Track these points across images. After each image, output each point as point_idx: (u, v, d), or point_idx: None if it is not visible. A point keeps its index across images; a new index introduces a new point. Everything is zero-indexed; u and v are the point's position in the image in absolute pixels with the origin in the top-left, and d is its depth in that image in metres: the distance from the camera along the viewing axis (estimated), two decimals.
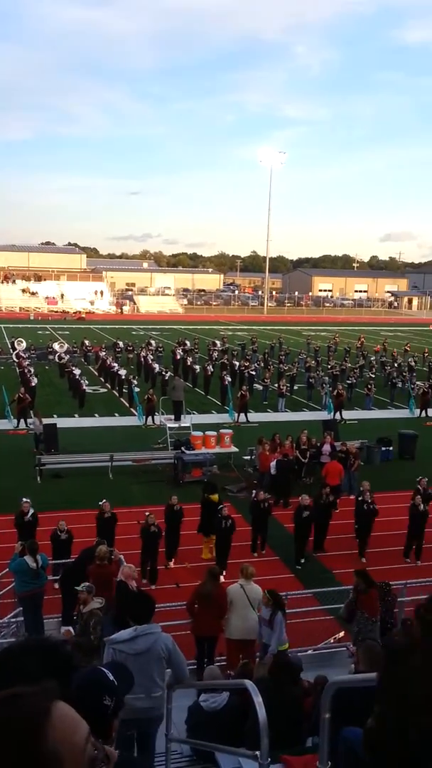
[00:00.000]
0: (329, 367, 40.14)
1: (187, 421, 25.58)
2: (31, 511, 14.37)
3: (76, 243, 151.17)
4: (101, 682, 2.24)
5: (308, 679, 7.20)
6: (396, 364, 40.99)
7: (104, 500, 14.86)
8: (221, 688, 6.62)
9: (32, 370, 34.42)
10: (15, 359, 40.70)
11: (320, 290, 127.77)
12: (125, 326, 69.21)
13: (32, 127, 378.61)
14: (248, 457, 22.58)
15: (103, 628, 9.39)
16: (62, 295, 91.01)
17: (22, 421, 26.94)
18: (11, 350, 44.29)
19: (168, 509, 15.23)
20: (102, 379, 37.87)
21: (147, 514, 14.56)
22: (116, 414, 30.65)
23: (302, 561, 15.68)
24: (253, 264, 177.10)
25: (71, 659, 1.57)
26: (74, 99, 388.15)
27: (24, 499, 14.71)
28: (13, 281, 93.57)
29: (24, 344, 44.50)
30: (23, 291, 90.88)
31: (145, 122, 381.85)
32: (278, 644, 9.23)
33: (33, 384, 31.12)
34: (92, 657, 9.38)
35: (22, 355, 40.95)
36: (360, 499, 16.20)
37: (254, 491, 16.75)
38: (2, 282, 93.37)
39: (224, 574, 13.19)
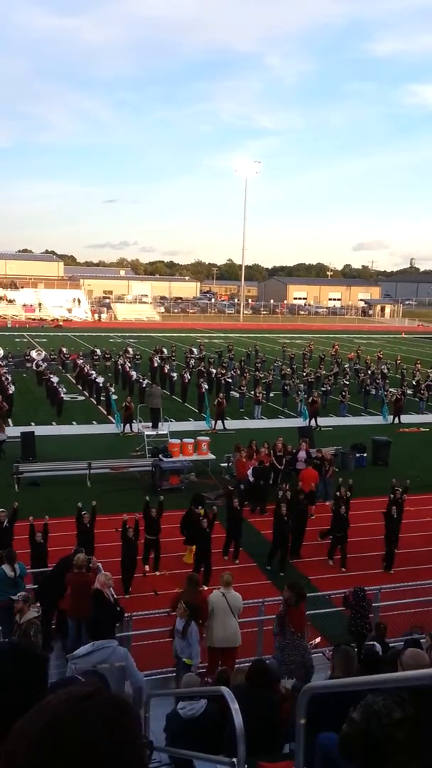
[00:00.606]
0: (304, 374, 40.40)
1: (164, 428, 25.60)
2: (6, 521, 14.29)
3: (53, 251, 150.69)
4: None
5: (286, 686, 7.27)
6: (369, 372, 41.40)
7: (84, 512, 14.82)
8: (198, 695, 6.67)
9: (10, 377, 34.24)
10: None
11: (295, 298, 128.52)
12: (103, 334, 69.07)
13: (9, 135, 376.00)
14: (225, 464, 22.68)
15: (41, 637, 9.46)
16: (40, 303, 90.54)
17: None
18: None
19: (146, 517, 15.28)
20: (80, 387, 37.76)
21: (124, 519, 14.61)
22: (94, 422, 30.58)
23: (269, 566, 15.94)
24: (229, 272, 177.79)
25: (45, 664, 1.63)
26: (51, 107, 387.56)
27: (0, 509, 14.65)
28: None
29: (1, 352, 44.32)
30: (0, 299, 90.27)
31: (122, 130, 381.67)
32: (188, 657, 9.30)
33: (11, 392, 30.94)
34: None
35: (0, 362, 40.71)
36: (338, 505, 16.34)
37: (234, 498, 16.84)
38: None
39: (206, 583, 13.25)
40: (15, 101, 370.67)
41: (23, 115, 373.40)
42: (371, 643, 8.58)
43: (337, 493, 16.76)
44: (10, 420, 28.21)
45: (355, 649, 6.76)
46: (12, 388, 31.61)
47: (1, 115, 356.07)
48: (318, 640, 10.88)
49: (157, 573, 15.43)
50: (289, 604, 9.23)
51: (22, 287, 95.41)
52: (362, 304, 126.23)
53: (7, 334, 65.59)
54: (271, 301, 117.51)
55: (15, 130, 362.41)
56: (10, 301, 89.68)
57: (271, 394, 35.70)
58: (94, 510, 14.84)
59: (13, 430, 26.45)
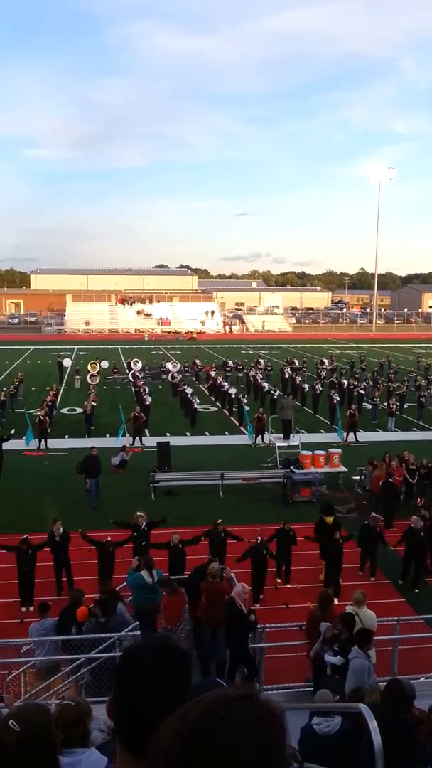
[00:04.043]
0: None
1: (296, 440, 25.60)
2: (144, 524, 14.90)
3: (187, 265, 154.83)
4: None
5: (421, 708, 7.09)
6: None
7: (220, 519, 15.17)
8: (335, 711, 6.63)
9: (147, 389, 35.51)
10: (131, 379, 42.18)
11: (430, 307, 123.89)
12: (235, 345, 69.97)
13: (147, 154, 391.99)
14: (357, 477, 22.33)
15: None
16: (174, 316, 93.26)
17: (137, 439, 27.88)
18: (127, 370, 45.88)
19: (280, 531, 15.38)
20: (212, 398, 38.50)
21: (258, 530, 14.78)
22: (226, 432, 31.07)
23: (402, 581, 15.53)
24: (361, 281, 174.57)
25: (189, 660, 1.68)
26: (186, 125, 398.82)
27: (138, 513, 15.28)
28: (130, 303, 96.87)
29: (139, 364, 45.97)
30: (138, 313, 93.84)
31: (253, 145, 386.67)
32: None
33: (147, 403, 32.08)
34: None
35: (138, 374, 42.35)
36: None
37: (372, 513, 16.58)
38: (119, 304, 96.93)
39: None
40: (154, 122, 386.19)
41: (161, 134, 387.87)
42: None
43: None
44: (146, 430, 29.29)
45: None
46: (149, 400, 32.77)
47: (141, 135, 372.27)
48: None
49: (289, 585, 15.47)
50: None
51: (158, 301, 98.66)
52: None
53: (144, 347, 68.05)
54: (405, 310, 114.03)
55: (153, 149, 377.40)
56: (147, 315, 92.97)
57: (405, 406, 34.73)
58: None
59: (149, 440, 27.49)
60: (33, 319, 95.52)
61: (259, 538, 14.67)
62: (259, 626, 10.83)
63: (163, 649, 1.58)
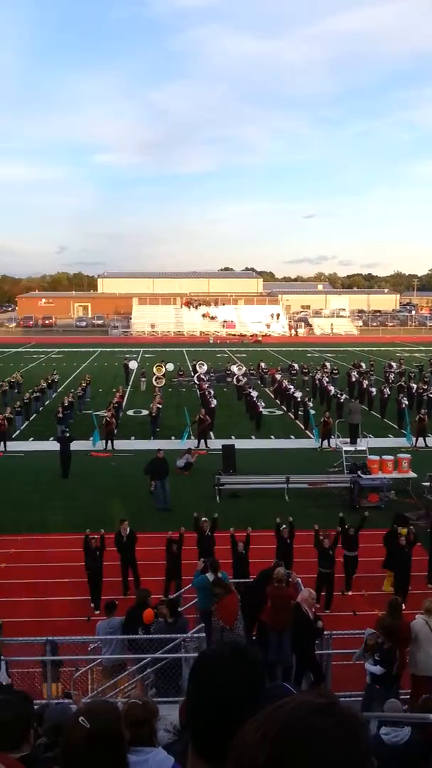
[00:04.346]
0: None
1: (363, 444, 25.22)
2: (208, 530, 14.91)
3: (252, 268, 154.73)
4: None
5: None
6: None
7: (284, 526, 15.05)
8: (405, 721, 6.47)
9: (212, 392, 35.66)
10: (196, 381, 42.45)
11: None
12: (300, 348, 69.53)
13: (213, 158, 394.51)
14: (427, 484, 21.78)
15: None
16: (239, 319, 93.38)
17: (202, 441, 28.00)
18: (192, 373, 46.19)
19: (343, 533, 15.14)
20: (278, 401, 38.32)
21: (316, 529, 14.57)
22: (292, 436, 30.87)
23: None
24: (430, 282, 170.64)
25: (262, 666, 1.65)
26: (253, 128, 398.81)
27: (203, 518, 15.31)
28: (195, 306, 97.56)
29: (204, 367, 46.22)
30: (203, 316, 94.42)
31: (320, 146, 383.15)
32: None
33: (213, 406, 32.20)
34: None
35: (203, 377, 42.59)
36: None
37: None
38: (185, 307, 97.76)
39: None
40: (220, 126, 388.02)
41: (227, 138, 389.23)
42: None
43: None
44: (212, 433, 29.39)
45: None
46: (214, 402, 32.89)
47: (208, 139, 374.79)
48: None
49: (352, 593, 15.20)
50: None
51: (223, 304, 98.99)
52: None
53: (209, 349, 68.38)
54: None
55: (220, 153, 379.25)
56: (213, 318, 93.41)
57: None
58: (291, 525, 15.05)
59: (214, 443, 27.56)
60: (100, 322, 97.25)
61: (324, 539, 14.46)
62: (326, 633, 10.69)
63: (238, 654, 1.55)
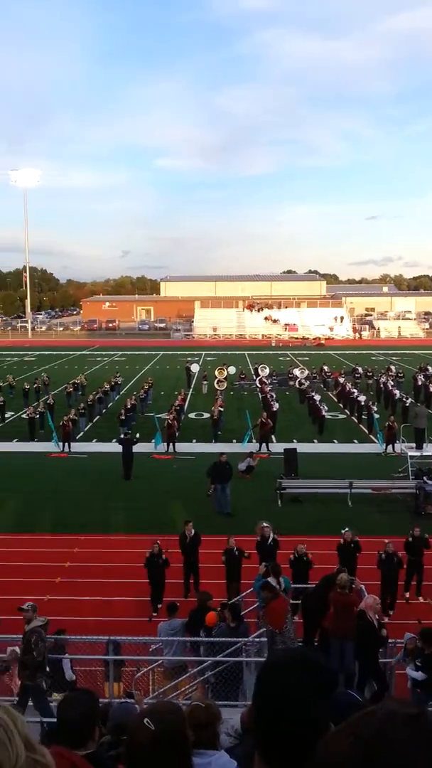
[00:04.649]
0: None
1: (429, 449, 24.68)
2: (272, 536, 14.80)
3: (316, 270, 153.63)
4: (357, 705, 2.31)
5: None
6: None
7: (346, 529, 14.86)
8: None
9: (274, 395, 35.51)
10: (258, 385, 42.37)
11: None
12: (364, 352, 68.55)
13: (276, 160, 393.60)
14: None
15: (44, 645, 9.44)
16: (302, 322, 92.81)
17: (264, 445, 27.90)
18: (254, 376, 46.12)
19: (409, 541, 14.83)
20: (341, 405, 37.86)
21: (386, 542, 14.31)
22: (355, 440, 30.45)
23: None
24: None
25: (335, 676, 1.64)
26: (316, 130, 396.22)
27: (263, 524, 15.19)
28: (258, 310, 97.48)
29: (266, 370, 46.08)
30: (266, 319, 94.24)
31: (383, 147, 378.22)
32: None
33: (275, 409, 32.06)
34: (36, 674, 9.42)
35: (265, 380, 42.47)
36: None
37: None
38: (247, 310, 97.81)
39: None
40: (283, 128, 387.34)
41: (290, 140, 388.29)
42: None
43: None
44: (273, 436, 29.27)
45: None
46: (276, 406, 32.73)
47: (270, 142, 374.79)
48: None
49: (421, 599, 14.87)
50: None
51: (286, 307, 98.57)
52: None
53: (271, 352, 68.16)
54: None
55: (282, 155, 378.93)
56: (275, 321, 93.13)
57: None
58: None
59: (276, 447, 27.43)
60: (162, 325, 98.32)
61: (389, 543, 14.19)
62: (390, 641, 10.48)
63: (307, 660, 1.55)
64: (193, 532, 15.12)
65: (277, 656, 1.67)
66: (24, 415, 33.12)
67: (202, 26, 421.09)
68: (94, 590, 15.43)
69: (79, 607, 14.52)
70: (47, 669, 9.60)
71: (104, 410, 36.35)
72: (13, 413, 35.78)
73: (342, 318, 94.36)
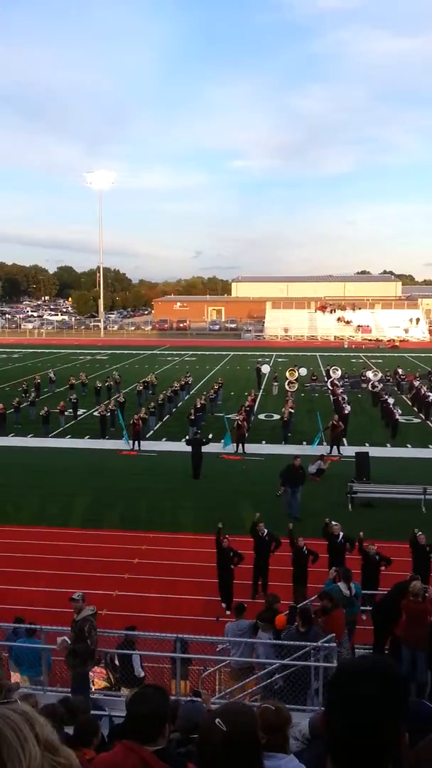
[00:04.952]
0: None
1: None
2: (341, 534, 14.59)
3: (391, 271, 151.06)
4: (429, 715, 2.22)
5: None
6: None
7: (419, 532, 14.50)
8: None
9: (346, 397, 35.03)
10: (329, 387, 41.91)
11: None
12: None
13: (350, 160, 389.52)
14: None
15: (96, 633, 9.43)
16: (376, 324, 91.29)
17: (335, 447, 27.54)
18: (326, 378, 45.64)
19: None
20: (415, 409, 37.01)
21: None
22: (430, 445, 29.68)
23: None
24: None
25: (405, 683, 1.58)
26: (393, 128, 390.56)
27: (333, 523, 14.97)
28: (331, 311, 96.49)
29: (338, 372, 45.53)
30: (338, 320, 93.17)
31: None
32: None
33: (346, 412, 31.61)
34: (87, 663, 9.39)
35: (336, 383, 41.95)
36: None
37: None
38: (319, 312, 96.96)
39: None
40: (358, 127, 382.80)
41: (365, 139, 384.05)
42: None
43: None
44: (344, 440, 28.85)
45: None
46: (348, 408, 32.27)
47: (345, 141, 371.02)
48: None
49: None
50: None
51: (359, 308, 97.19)
52: None
53: (343, 354, 67.34)
54: None
55: (357, 154, 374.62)
56: (348, 323, 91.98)
57: None
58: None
59: (347, 450, 27.03)
60: (233, 325, 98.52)
61: None
62: None
63: (380, 668, 1.53)
64: (265, 531, 15.02)
65: (349, 663, 1.66)
66: (96, 413, 33.76)
67: (279, 26, 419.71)
68: (161, 588, 15.54)
69: (147, 604, 14.65)
70: (101, 660, 9.81)
71: (174, 409, 36.66)
72: (85, 410, 36.53)
73: (418, 320, 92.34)
